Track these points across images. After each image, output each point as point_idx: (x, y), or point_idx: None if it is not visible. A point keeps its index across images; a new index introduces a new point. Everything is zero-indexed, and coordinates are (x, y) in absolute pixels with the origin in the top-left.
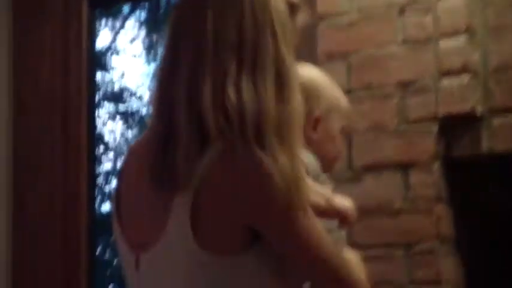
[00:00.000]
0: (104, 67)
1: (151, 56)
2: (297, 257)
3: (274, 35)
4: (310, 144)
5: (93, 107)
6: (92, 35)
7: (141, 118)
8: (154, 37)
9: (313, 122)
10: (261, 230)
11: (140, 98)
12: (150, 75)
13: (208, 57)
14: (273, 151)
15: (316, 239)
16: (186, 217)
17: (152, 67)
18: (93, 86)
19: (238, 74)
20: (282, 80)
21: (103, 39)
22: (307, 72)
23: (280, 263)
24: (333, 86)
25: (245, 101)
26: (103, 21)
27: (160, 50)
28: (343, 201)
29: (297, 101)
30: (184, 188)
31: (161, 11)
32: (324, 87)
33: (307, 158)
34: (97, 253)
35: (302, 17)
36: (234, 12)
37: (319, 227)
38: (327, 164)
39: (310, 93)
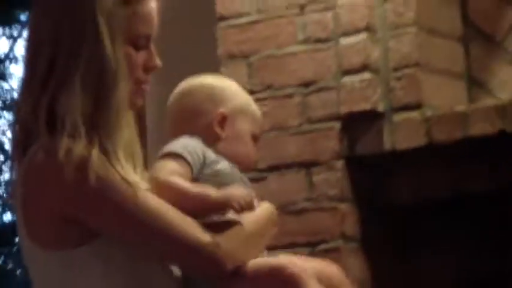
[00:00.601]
0: (2, 76)
1: None
2: (123, 236)
3: (93, 30)
4: (218, 141)
5: None
6: None
7: None
8: None
9: (219, 119)
10: (76, 219)
11: None
12: None
13: (27, 60)
14: (72, 137)
15: (128, 210)
16: (20, 211)
17: None
18: None
19: (49, 76)
20: (98, 72)
21: (0, 47)
22: (219, 78)
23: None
24: (244, 93)
25: (53, 99)
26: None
27: None
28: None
29: (118, 90)
30: (18, 185)
31: None
32: (233, 90)
33: (220, 161)
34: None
35: (147, 4)
36: (53, 12)
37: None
38: (238, 164)
39: (216, 91)
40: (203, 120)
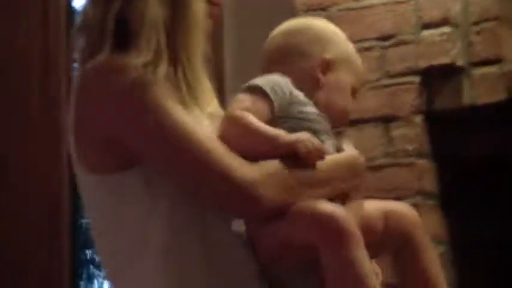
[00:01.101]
0: None
1: None
2: (162, 160)
3: None
4: (316, 88)
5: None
6: None
7: None
8: None
9: (324, 64)
10: (121, 138)
11: None
12: None
13: None
14: (133, 52)
15: (175, 132)
16: (72, 136)
17: None
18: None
19: None
20: None
21: None
22: (327, 23)
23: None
24: (350, 43)
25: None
26: None
27: None
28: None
29: (192, 8)
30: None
31: None
32: (342, 38)
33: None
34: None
35: None
36: None
37: (185, 121)
38: (332, 116)
39: (326, 35)
40: (305, 62)
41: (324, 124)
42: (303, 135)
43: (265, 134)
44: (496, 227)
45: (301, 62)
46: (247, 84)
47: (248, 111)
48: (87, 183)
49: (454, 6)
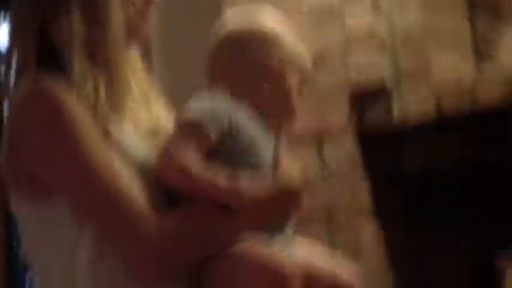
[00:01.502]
0: None
1: None
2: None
3: None
4: (257, 96)
5: None
6: None
7: None
8: None
9: (265, 71)
10: (38, 170)
11: None
12: None
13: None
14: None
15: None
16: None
17: None
18: None
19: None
20: (91, 5)
21: None
22: (270, 19)
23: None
24: (296, 39)
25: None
26: None
27: None
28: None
29: (113, 21)
30: None
31: None
32: (285, 37)
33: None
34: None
35: None
36: None
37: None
38: (276, 123)
39: (267, 40)
40: (248, 72)
41: (267, 141)
42: (247, 183)
43: (206, 181)
44: (431, 239)
45: (243, 72)
46: (185, 119)
47: (190, 158)
48: (19, 212)
49: (380, 23)
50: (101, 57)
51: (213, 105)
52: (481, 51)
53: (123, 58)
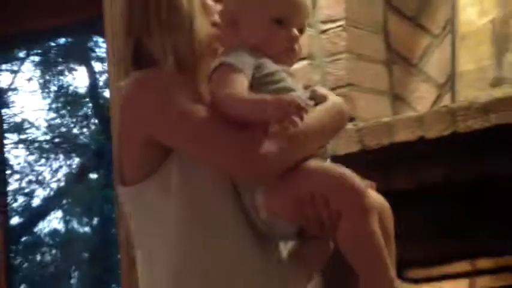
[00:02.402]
0: (6, 104)
1: (45, 92)
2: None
3: None
4: (235, 40)
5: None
6: None
7: (40, 144)
8: (47, 76)
9: (230, 21)
10: (152, 139)
11: (38, 127)
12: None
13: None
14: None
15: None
16: (116, 153)
17: (47, 101)
18: None
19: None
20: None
21: (4, 80)
22: None
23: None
24: None
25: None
26: (3, 66)
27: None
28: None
29: (196, 33)
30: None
31: (51, 54)
32: None
33: (231, 51)
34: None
35: None
36: None
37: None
38: (279, 58)
39: None
40: (221, 23)
41: (289, 78)
42: (286, 96)
43: (253, 100)
44: None
45: (223, 26)
46: (222, 62)
47: (234, 85)
48: (125, 197)
49: (314, 75)
50: (185, 58)
51: (236, 51)
52: (397, 95)
53: (202, 63)
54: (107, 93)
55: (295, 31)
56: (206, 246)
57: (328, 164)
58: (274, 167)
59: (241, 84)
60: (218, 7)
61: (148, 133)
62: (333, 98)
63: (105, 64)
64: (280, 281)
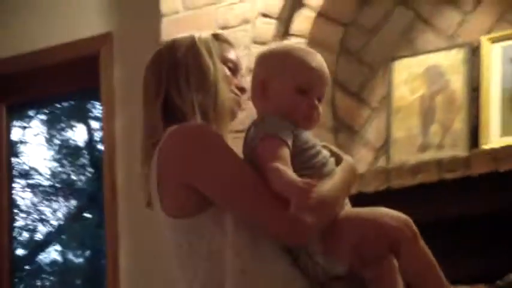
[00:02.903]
0: (16, 154)
1: (50, 145)
2: (219, 200)
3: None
4: (265, 109)
5: (10, 181)
6: (8, 132)
7: (44, 188)
8: (52, 132)
9: (260, 87)
10: (193, 185)
11: (43, 174)
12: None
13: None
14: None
15: (225, 178)
16: (155, 191)
17: (51, 152)
18: (10, 167)
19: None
20: (204, 78)
21: (16, 134)
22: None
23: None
24: (286, 48)
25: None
26: (16, 123)
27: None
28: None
29: (220, 94)
30: (151, 162)
31: (56, 114)
32: (274, 51)
33: (269, 120)
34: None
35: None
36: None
37: (231, 166)
38: (300, 123)
39: (264, 61)
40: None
41: (316, 141)
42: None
43: (294, 185)
44: None
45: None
46: (267, 134)
47: (280, 159)
48: (167, 226)
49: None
50: (210, 117)
51: (275, 121)
52: None
53: (223, 123)
54: (101, 147)
55: (315, 100)
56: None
57: (361, 209)
58: (312, 232)
59: (285, 158)
60: (234, 80)
61: (188, 180)
62: (346, 157)
63: (101, 123)
64: None
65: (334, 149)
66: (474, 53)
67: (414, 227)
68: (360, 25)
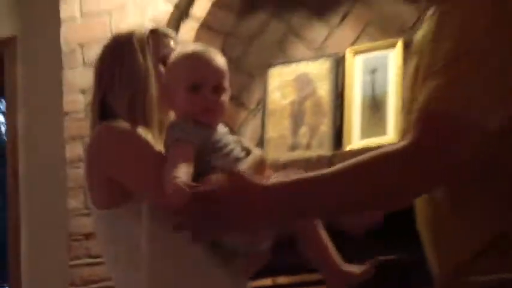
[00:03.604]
0: None
1: None
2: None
3: (131, 52)
4: (175, 113)
5: None
6: None
7: None
8: None
9: (163, 93)
10: (114, 178)
11: None
12: None
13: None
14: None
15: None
16: (86, 184)
17: None
18: None
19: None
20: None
21: None
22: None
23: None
24: (180, 50)
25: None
26: None
27: None
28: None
29: (149, 90)
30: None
31: None
32: (175, 55)
33: (174, 125)
34: None
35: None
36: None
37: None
38: (202, 118)
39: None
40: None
41: (229, 139)
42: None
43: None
44: None
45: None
46: (172, 138)
47: (179, 161)
48: (95, 216)
49: None
50: (138, 113)
51: (180, 126)
52: None
53: (153, 118)
54: (4, 138)
55: (210, 92)
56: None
57: None
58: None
59: (186, 159)
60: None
61: (110, 174)
62: (254, 151)
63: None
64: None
65: (246, 144)
66: (339, 64)
67: None
68: (238, 35)
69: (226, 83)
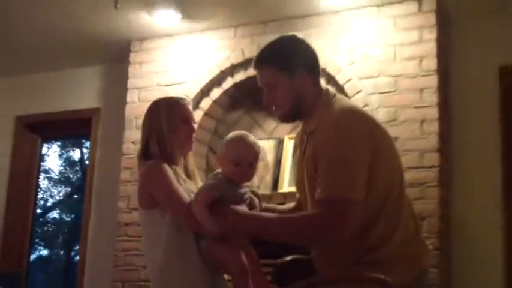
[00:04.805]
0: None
1: None
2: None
3: (158, 118)
4: (222, 170)
5: None
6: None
7: None
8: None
9: (218, 161)
10: (153, 195)
11: None
12: None
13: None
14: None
15: (166, 192)
16: (138, 192)
17: None
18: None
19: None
20: (163, 130)
21: None
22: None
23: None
24: (232, 142)
25: (147, 143)
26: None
27: None
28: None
29: (172, 140)
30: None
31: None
32: (228, 143)
33: (214, 176)
34: None
35: (185, 107)
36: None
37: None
38: (239, 180)
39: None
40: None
41: (245, 195)
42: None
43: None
44: None
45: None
46: (209, 180)
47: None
48: (140, 215)
49: None
50: (168, 153)
51: (218, 178)
52: None
53: (177, 157)
54: (87, 163)
55: (245, 167)
56: (181, 256)
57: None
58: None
59: (205, 198)
60: (188, 127)
61: (151, 193)
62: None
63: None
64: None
65: (254, 190)
66: (280, 143)
67: (247, 271)
68: (225, 121)
69: (258, 160)
